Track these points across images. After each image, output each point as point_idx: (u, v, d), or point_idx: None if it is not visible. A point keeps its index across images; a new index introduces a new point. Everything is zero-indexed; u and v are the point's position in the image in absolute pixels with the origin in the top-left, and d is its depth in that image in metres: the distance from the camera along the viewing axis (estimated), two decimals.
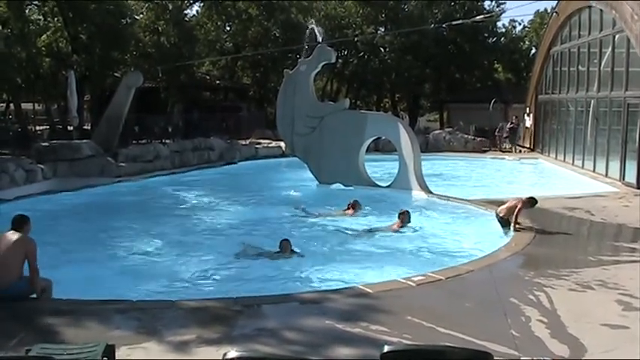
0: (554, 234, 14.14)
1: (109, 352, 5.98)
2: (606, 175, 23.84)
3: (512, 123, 35.67)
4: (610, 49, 24.35)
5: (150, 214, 18.03)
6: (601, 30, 25.31)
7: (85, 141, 24.58)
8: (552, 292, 9.53)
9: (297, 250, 13.30)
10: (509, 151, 35.19)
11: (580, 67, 28.44)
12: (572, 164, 28.06)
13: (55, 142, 24.65)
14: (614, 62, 23.97)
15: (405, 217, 15.66)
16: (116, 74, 34.13)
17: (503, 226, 14.97)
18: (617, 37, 23.58)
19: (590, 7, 26.44)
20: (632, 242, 13.45)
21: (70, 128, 28.40)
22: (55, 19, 33.34)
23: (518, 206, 14.70)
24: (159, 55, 37.33)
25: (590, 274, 10.54)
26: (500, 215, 15.08)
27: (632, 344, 7.59)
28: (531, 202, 15.10)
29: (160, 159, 26.40)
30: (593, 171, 25.20)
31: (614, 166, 23.23)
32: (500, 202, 16.95)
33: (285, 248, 13.18)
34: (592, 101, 26.56)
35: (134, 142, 28.27)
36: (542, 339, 7.66)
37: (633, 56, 21.75)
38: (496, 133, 36.70)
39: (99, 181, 22.14)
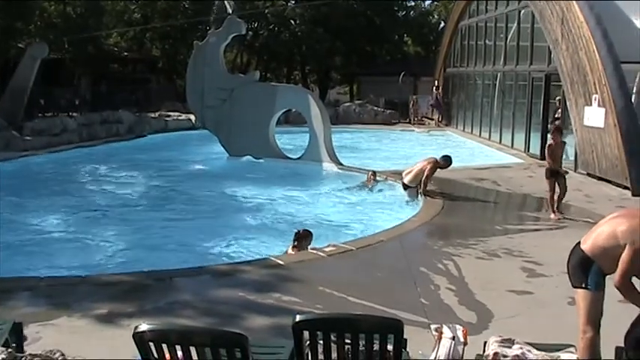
0: (462, 204, 14.43)
1: (17, 330, 5.78)
2: (512, 146, 24.49)
3: (437, 98, 35.63)
4: (516, 23, 24.90)
5: (57, 189, 17.52)
6: (507, 5, 25.87)
7: None
8: (460, 261, 9.73)
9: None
10: (420, 124, 35.62)
11: (487, 41, 29.00)
12: (480, 136, 28.69)
13: None
14: (520, 37, 24.54)
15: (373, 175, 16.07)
16: (20, 45, 32.85)
17: (409, 194, 14.96)
18: (522, 12, 24.12)
19: None
20: (536, 211, 13.86)
21: None
22: None
23: (426, 170, 14.63)
24: (65, 25, 36.03)
25: (496, 243, 10.82)
26: (405, 182, 15.03)
27: (536, 309, 7.85)
28: (445, 161, 14.85)
29: (67, 132, 25.62)
30: (500, 143, 25.84)
31: (520, 137, 23.87)
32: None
33: (304, 238, 10.55)
34: (498, 75, 27.15)
35: (40, 115, 27.25)
36: (451, 306, 7.84)
37: (537, 31, 22.25)
38: (411, 107, 37.02)
39: (3, 155, 21.39)
